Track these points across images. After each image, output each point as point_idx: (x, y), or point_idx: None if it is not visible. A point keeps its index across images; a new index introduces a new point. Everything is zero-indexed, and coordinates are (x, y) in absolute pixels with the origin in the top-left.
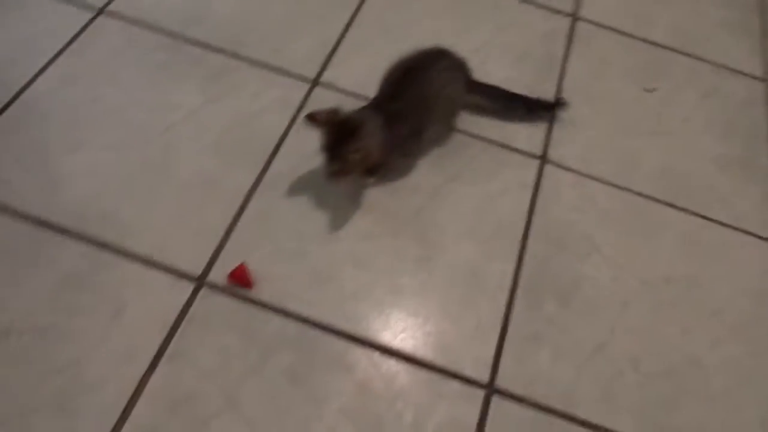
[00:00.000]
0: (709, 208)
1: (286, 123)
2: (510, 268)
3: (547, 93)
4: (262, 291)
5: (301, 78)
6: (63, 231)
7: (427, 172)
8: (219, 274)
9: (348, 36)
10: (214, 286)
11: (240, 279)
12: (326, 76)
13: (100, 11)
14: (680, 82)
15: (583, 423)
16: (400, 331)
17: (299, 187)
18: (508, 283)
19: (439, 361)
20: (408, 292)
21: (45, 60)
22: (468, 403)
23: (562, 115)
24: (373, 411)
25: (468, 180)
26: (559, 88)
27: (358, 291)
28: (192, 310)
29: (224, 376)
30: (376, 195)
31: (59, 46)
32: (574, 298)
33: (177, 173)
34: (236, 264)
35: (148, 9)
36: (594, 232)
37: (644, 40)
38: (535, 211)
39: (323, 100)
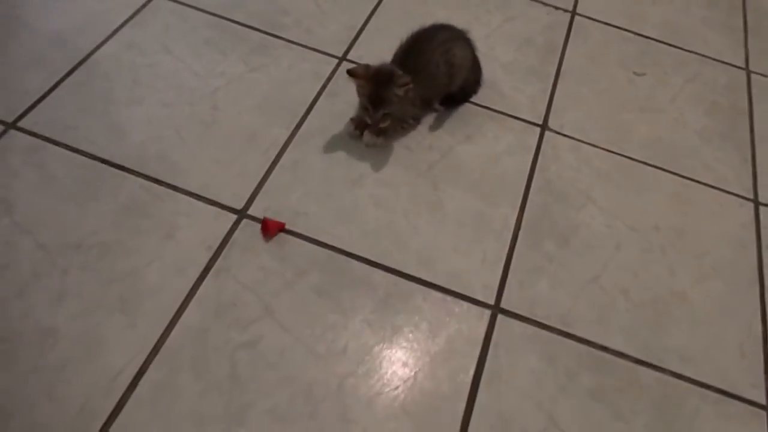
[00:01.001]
0: (693, 171)
1: (317, 90)
2: (513, 213)
3: (548, 75)
4: (296, 224)
5: (331, 55)
6: (124, 168)
7: (440, 134)
8: (258, 209)
9: (371, 22)
10: (254, 219)
11: (271, 230)
12: (352, 54)
13: None
14: (668, 68)
15: (578, 339)
16: (416, 261)
17: (328, 142)
18: (511, 225)
19: (451, 285)
20: (423, 230)
21: (109, 30)
22: (477, 320)
23: (562, 92)
24: (393, 322)
25: (477, 142)
26: (559, 70)
27: (379, 228)
28: (234, 236)
29: (262, 289)
30: (395, 152)
31: (122, 20)
32: (571, 240)
33: (222, 127)
34: (266, 208)
35: None
36: (589, 188)
37: (636, 33)
38: (537, 169)
39: None
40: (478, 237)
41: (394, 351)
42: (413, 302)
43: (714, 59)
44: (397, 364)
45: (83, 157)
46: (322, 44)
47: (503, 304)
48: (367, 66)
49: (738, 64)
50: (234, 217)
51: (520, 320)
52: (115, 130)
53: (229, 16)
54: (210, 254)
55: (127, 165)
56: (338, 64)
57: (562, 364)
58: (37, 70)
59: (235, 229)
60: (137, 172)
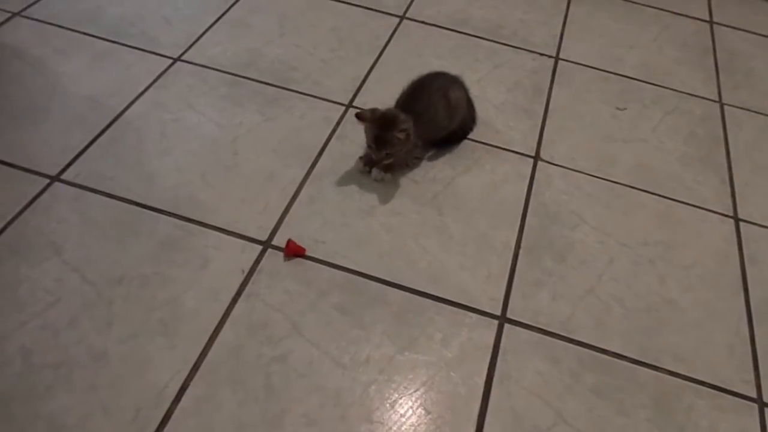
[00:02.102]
0: (676, 193)
1: (327, 134)
2: (513, 234)
3: (537, 113)
4: (316, 251)
5: (338, 103)
6: (158, 210)
7: (442, 167)
8: (281, 239)
9: (372, 74)
10: (277, 248)
11: (294, 250)
12: (357, 101)
13: (177, 59)
14: (647, 103)
15: (580, 343)
16: (426, 279)
17: (340, 178)
18: (512, 245)
19: (460, 299)
20: (431, 251)
21: (137, 92)
22: (485, 329)
23: (551, 127)
24: (409, 333)
25: (476, 173)
26: (547, 108)
27: (391, 251)
28: (261, 264)
29: (289, 309)
30: (402, 185)
31: (147, 83)
32: (567, 256)
33: (243, 170)
34: (286, 241)
35: (213, 57)
36: (581, 210)
37: (615, 74)
38: (532, 195)
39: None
40: (482, 256)
41: (412, 359)
42: (426, 316)
43: (689, 94)
44: (416, 370)
45: (120, 202)
46: (330, 94)
47: (509, 315)
48: (373, 110)
49: (712, 98)
50: (260, 248)
51: (525, 328)
52: (148, 177)
53: (243, 74)
54: (240, 280)
55: (161, 207)
56: (345, 111)
57: (566, 365)
58: (76, 129)
59: (261, 258)
60: (170, 212)
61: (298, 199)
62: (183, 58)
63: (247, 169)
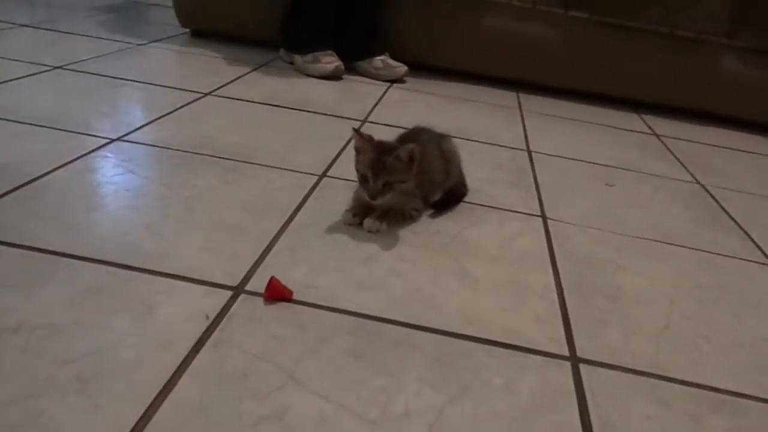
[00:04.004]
0: (704, 245)
1: (303, 195)
2: (549, 278)
3: (528, 186)
4: (307, 296)
5: (310, 173)
6: (82, 258)
7: (444, 222)
8: (258, 284)
9: (345, 153)
10: (254, 294)
11: (277, 291)
12: (332, 173)
13: (117, 139)
14: (633, 183)
15: (683, 382)
16: (461, 320)
17: (326, 230)
18: (552, 287)
19: (512, 341)
20: (457, 294)
21: (61, 162)
22: (557, 371)
23: (548, 197)
24: (456, 380)
25: (483, 228)
26: (536, 183)
27: (408, 295)
28: (232, 310)
29: (279, 357)
30: (402, 236)
31: (77, 155)
32: (620, 297)
33: (201, 223)
34: (267, 280)
35: (161, 139)
36: (613, 257)
37: (591, 162)
38: (554, 245)
39: (334, 185)
40: (521, 298)
41: (470, 410)
42: (474, 359)
43: (669, 177)
44: (483, 423)
45: (27, 251)
46: (299, 167)
47: (580, 354)
48: (371, 137)
49: (689, 180)
50: (229, 293)
51: (608, 368)
52: (70, 228)
53: (196, 151)
54: (203, 328)
55: (86, 255)
56: (320, 178)
57: (680, 408)
58: None
59: (232, 303)
60: (100, 260)
61: (274, 250)
62: (125, 138)
63: (206, 223)
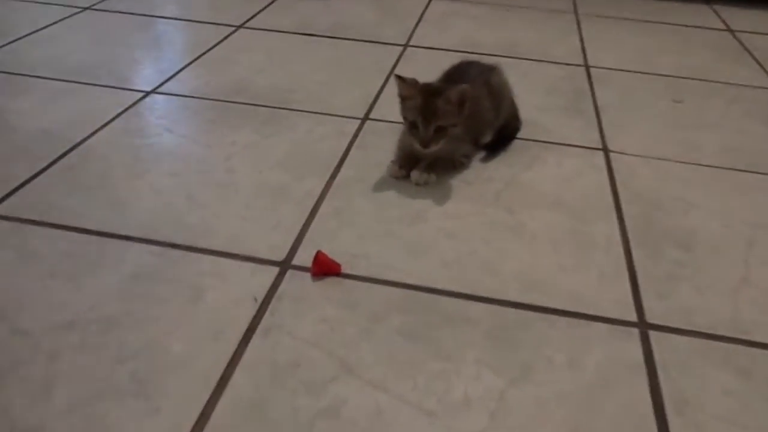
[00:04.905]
0: None
1: (345, 145)
2: (613, 227)
3: (587, 111)
4: (356, 267)
5: (351, 117)
6: (128, 238)
7: (497, 167)
8: (304, 258)
9: (385, 91)
10: (301, 268)
11: (325, 266)
12: (374, 114)
13: (151, 92)
14: (704, 95)
15: (765, 346)
16: (518, 286)
17: (371, 186)
18: (617, 238)
19: (575, 308)
20: (513, 254)
21: (101, 123)
22: (625, 341)
23: (608, 122)
24: (517, 358)
25: (539, 169)
26: (596, 106)
27: (460, 258)
28: (281, 289)
29: (331, 343)
30: (452, 187)
31: (114, 114)
32: (693, 244)
33: (242, 187)
34: (313, 252)
35: (194, 88)
36: (683, 194)
37: (655, 74)
38: (618, 185)
39: (377, 130)
40: (583, 254)
41: (534, 393)
42: (534, 332)
43: (747, 85)
44: (546, 407)
45: (74, 233)
46: (339, 110)
47: (649, 319)
48: (415, 81)
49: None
50: (276, 269)
51: (680, 334)
52: (115, 203)
53: (231, 100)
54: (253, 312)
55: (131, 234)
56: (362, 123)
57: (763, 378)
58: (18, 161)
59: (280, 282)
60: (145, 239)
61: (319, 213)
62: (159, 90)
63: (248, 186)
